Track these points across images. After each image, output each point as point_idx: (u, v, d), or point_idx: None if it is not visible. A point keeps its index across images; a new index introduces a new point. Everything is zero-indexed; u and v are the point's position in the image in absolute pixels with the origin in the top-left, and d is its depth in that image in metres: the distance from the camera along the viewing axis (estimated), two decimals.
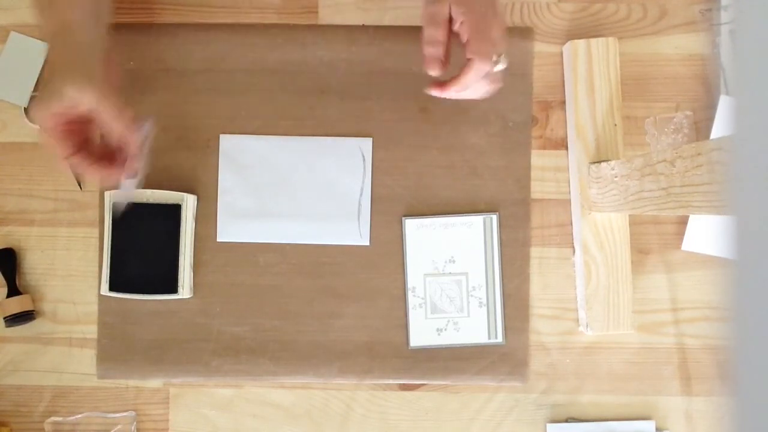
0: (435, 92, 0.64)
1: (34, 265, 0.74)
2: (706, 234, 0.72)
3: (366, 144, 0.73)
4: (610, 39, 0.72)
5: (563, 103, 0.74)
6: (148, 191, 0.71)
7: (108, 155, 0.61)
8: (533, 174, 0.74)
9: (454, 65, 0.62)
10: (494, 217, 0.73)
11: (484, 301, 0.73)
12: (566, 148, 0.74)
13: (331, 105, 0.74)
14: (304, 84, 0.74)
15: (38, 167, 0.74)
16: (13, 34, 0.74)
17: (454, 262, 0.73)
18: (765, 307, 0.25)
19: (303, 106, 0.74)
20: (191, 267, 0.72)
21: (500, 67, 0.61)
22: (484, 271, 0.73)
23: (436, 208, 0.74)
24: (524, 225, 0.73)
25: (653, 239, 0.74)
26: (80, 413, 0.73)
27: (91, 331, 0.73)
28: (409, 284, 0.73)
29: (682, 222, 0.73)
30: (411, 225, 0.73)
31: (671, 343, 0.73)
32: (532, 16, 0.75)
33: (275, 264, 0.73)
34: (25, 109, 0.74)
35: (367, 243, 0.73)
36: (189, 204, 0.72)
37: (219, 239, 0.73)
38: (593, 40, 0.71)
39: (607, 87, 0.71)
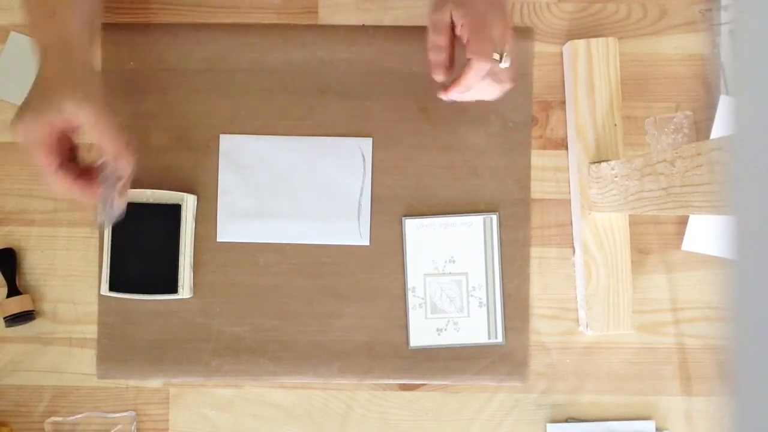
0: (443, 96, 0.65)
1: (34, 265, 0.74)
2: (706, 234, 0.72)
3: (366, 144, 0.73)
4: (610, 39, 0.72)
5: (563, 103, 0.74)
6: (148, 191, 0.71)
7: (87, 173, 0.60)
8: (533, 174, 0.74)
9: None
10: (494, 217, 0.73)
11: (484, 301, 0.73)
12: (566, 148, 0.74)
13: (331, 105, 0.74)
14: (304, 84, 0.74)
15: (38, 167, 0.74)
16: (13, 34, 0.74)
17: (454, 262, 0.73)
18: (765, 307, 0.25)
19: (303, 106, 0.74)
20: (191, 267, 0.72)
21: (504, 65, 0.61)
22: (484, 271, 0.73)
23: (436, 208, 0.74)
24: (524, 225, 0.74)
25: (653, 239, 0.74)
26: (80, 413, 0.73)
27: (91, 331, 0.73)
28: (409, 284, 0.73)
29: (682, 222, 0.73)
30: (411, 225, 0.73)
31: (671, 343, 0.73)
32: (532, 16, 0.75)
33: (275, 264, 0.73)
34: None
35: (367, 243, 0.73)
36: (189, 204, 0.72)
37: (219, 239, 0.73)
38: (593, 40, 0.71)
39: (607, 87, 0.71)
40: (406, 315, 0.73)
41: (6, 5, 0.74)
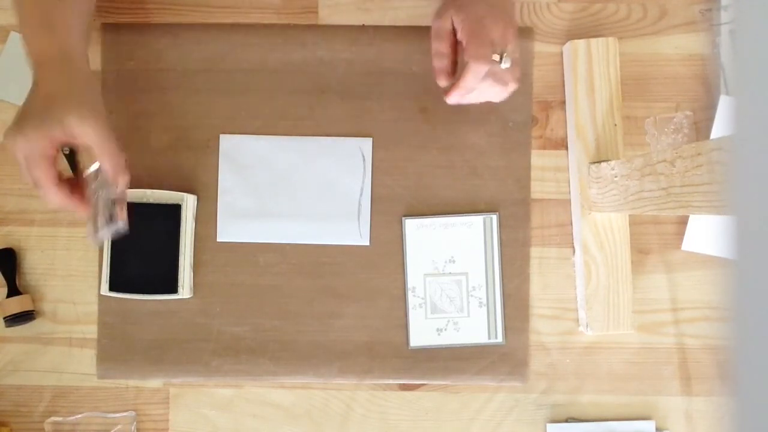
0: (447, 100, 0.66)
1: (34, 265, 0.74)
2: (706, 234, 0.72)
3: (366, 144, 0.73)
4: (610, 39, 0.72)
5: (563, 103, 0.74)
6: (148, 191, 0.71)
7: (80, 186, 0.61)
8: (533, 174, 0.74)
9: None
10: (494, 217, 0.73)
11: (484, 301, 0.73)
12: (566, 148, 0.74)
13: (331, 105, 0.74)
14: (304, 84, 0.74)
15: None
16: (13, 34, 0.74)
17: (454, 262, 0.73)
18: (765, 307, 0.25)
19: (303, 106, 0.74)
20: (191, 267, 0.72)
21: (505, 65, 0.61)
22: (484, 271, 0.73)
23: (436, 208, 0.74)
24: (524, 225, 0.73)
25: (653, 239, 0.74)
26: (80, 413, 0.73)
27: (91, 331, 0.73)
28: (409, 284, 0.73)
29: (682, 222, 0.73)
30: (411, 225, 0.73)
31: (671, 343, 0.73)
32: (532, 16, 0.75)
33: (275, 264, 0.73)
34: None
35: (367, 243, 0.73)
36: (189, 204, 0.72)
37: (219, 239, 0.73)
38: (593, 40, 0.71)
39: (607, 87, 0.71)
40: (406, 315, 0.73)
41: (6, 5, 0.74)
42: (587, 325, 0.71)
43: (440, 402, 0.74)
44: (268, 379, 0.73)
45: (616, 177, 0.64)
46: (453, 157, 0.74)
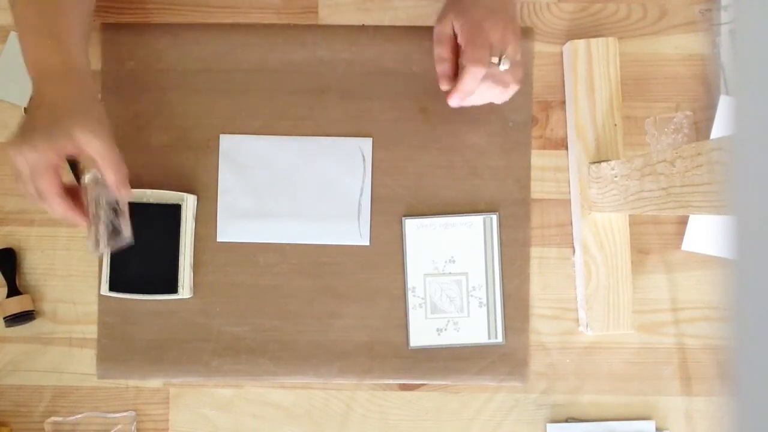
0: (449, 103, 0.66)
1: (34, 265, 0.74)
2: (706, 234, 0.72)
3: (366, 144, 0.73)
4: (610, 39, 0.72)
5: (563, 103, 0.74)
6: (148, 191, 0.71)
7: (78, 198, 0.61)
8: (533, 174, 0.74)
9: None
10: (494, 217, 0.73)
11: (484, 301, 0.73)
12: (566, 148, 0.74)
13: (331, 105, 0.74)
14: (304, 84, 0.74)
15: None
16: (13, 34, 0.74)
17: (454, 262, 0.73)
18: (765, 307, 0.25)
19: (303, 106, 0.74)
20: (191, 267, 0.72)
21: (503, 67, 0.62)
22: (484, 271, 0.73)
23: (436, 208, 0.74)
24: (524, 225, 0.73)
25: (653, 239, 0.74)
26: (80, 413, 0.73)
27: (91, 331, 0.73)
28: (409, 284, 0.73)
29: (682, 222, 0.73)
30: (411, 225, 0.73)
31: (671, 343, 0.73)
32: (532, 16, 0.75)
33: (275, 264, 0.73)
34: (26, 109, 0.74)
35: (367, 243, 0.73)
36: (189, 204, 0.72)
37: (219, 239, 0.73)
38: (593, 40, 0.71)
39: (607, 87, 0.71)
40: (406, 315, 0.73)
41: (6, 5, 0.74)
42: (587, 325, 0.71)
43: (440, 402, 0.74)
44: (268, 379, 0.73)
45: (616, 177, 0.64)
46: (453, 157, 0.74)
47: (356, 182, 0.73)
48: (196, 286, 0.73)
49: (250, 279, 0.73)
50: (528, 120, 0.74)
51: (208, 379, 0.73)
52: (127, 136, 0.73)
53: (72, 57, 0.61)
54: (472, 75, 0.62)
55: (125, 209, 0.63)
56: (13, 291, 0.72)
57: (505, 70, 0.62)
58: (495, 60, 0.62)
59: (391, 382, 0.73)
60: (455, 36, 0.64)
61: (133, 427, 0.73)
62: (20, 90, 0.74)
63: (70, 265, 0.74)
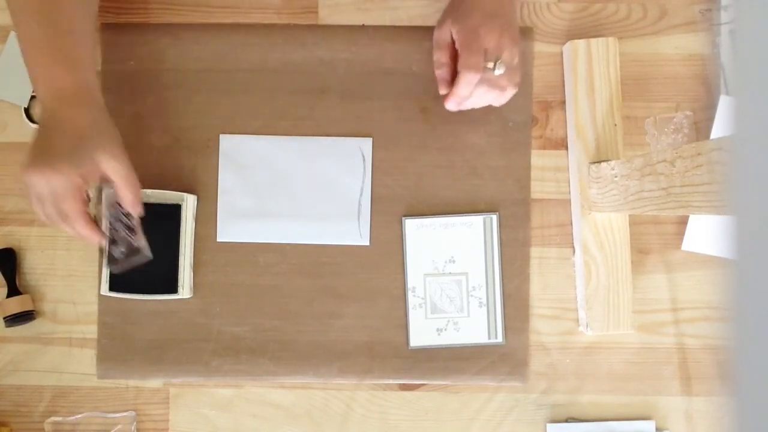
0: (446, 106, 0.68)
1: (34, 265, 0.74)
2: (706, 234, 0.72)
3: (366, 144, 0.73)
4: (610, 39, 0.72)
5: (563, 103, 0.74)
6: (148, 191, 0.71)
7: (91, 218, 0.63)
8: (533, 174, 0.74)
9: None
10: (494, 217, 0.73)
11: (484, 301, 0.73)
12: (566, 148, 0.74)
13: (331, 105, 0.74)
14: (304, 84, 0.74)
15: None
16: (13, 34, 0.74)
17: (454, 262, 0.73)
18: (765, 307, 0.25)
19: (303, 106, 0.74)
20: (191, 267, 0.72)
21: (498, 71, 0.63)
22: (484, 271, 0.73)
23: (436, 208, 0.74)
24: (524, 225, 0.73)
25: (653, 239, 0.74)
26: (80, 413, 0.73)
27: (91, 331, 0.73)
28: (409, 284, 0.73)
29: (682, 222, 0.73)
30: (411, 225, 0.73)
31: (671, 343, 0.73)
32: (532, 16, 0.75)
33: (275, 264, 0.73)
34: (26, 109, 0.74)
35: (367, 243, 0.73)
36: (189, 204, 0.72)
37: (219, 239, 0.73)
38: (593, 40, 0.71)
39: (607, 87, 0.71)
40: (406, 315, 0.73)
41: (6, 5, 0.74)
42: (587, 325, 0.71)
43: (440, 402, 0.74)
44: (268, 379, 0.73)
45: (616, 177, 0.64)
46: (453, 157, 0.74)
47: (356, 182, 0.73)
48: (196, 286, 0.73)
49: (250, 279, 0.73)
50: (528, 120, 0.74)
51: (208, 379, 0.73)
52: (127, 136, 0.72)
53: (86, 78, 0.61)
54: (467, 81, 0.63)
55: (138, 226, 0.65)
56: (13, 291, 0.72)
57: (501, 74, 0.64)
58: (490, 65, 0.63)
59: (391, 382, 0.73)
60: (454, 41, 0.65)
61: (133, 427, 0.73)
62: (20, 90, 0.74)
63: (70, 265, 0.74)
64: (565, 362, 0.73)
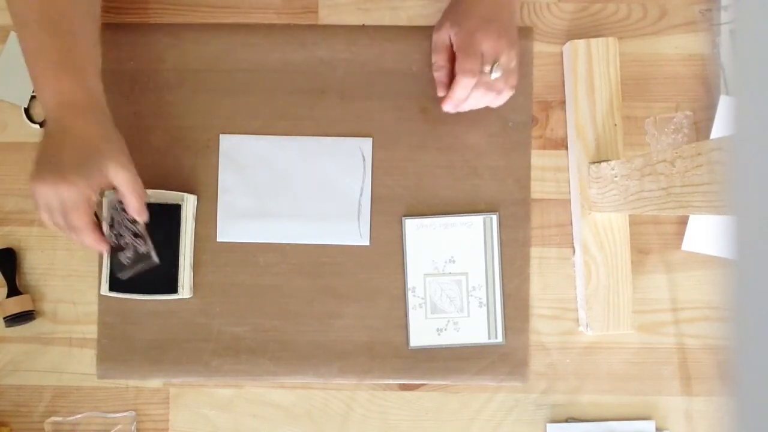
0: (443, 108, 0.69)
1: (34, 265, 0.74)
2: (706, 234, 0.72)
3: (366, 144, 0.73)
4: (610, 39, 0.72)
5: (563, 103, 0.74)
6: (149, 191, 0.71)
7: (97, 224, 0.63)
8: (533, 174, 0.74)
9: None
10: (494, 217, 0.73)
11: (484, 301, 0.73)
12: (566, 148, 0.74)
13: (331, 105, 0.74)
14: (304, 84, 0.74)
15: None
16: (13, 34, 0.74)
17: (454, 262, 0.73)
18: (765, 307, 0.25)
19: (303, 106, 0.74)
20: (191, 267, 0.72)
21: (495, 75, 0.64)
22: (484, 271, 0.73)
23: (436, 208, 0.74)
24: (524, 225, 0.73)
25: (653, 239, 0.74)
26: (80, 413, 0.73)
27: (91, 331, 0.73)
28: (409, 284, 0.73)
29: (682, 222, 0.73)
30: (411, 225, 0.73)
31: (671, 343, 0.73)
32: (532, 16, 0.75)
33: (275, 264, 0.73)
34: (26, 109, 0.74)
35: (367, 243, 0.73)
36: (189, 204, 0.72)
37: (219, 239, 0.73)
38: (593, 40, 0.71)
39: (607, 87, 0.71)
40: (406, 315, 0.73)
41: (6, 5, 0.74)
42: (587, 325, 0.71)
43: (440, 402, 0.74)
44: (268, 379, 0.73)
45: (616, 177, 0.64)
46: (453, 157, 0.74)
47: (356, 182, 0.73)
48: (196, 286, 0.73)
49: (250, 279, 0.73)
50: (528, 120, 0.74)
51: (208, 379, 0.73)
52: (127, 136, 0.72)
53: (93, 87, 0.61)
54: (463, 85, 0.64)
55: (144, 232, 0.66)
56: (13, 291, 0.72)
57: (498, 77, 0.64)
58: (487, 69, 0.64)
59: (391, 382, 0.73)
60: (452, 44, 0.66)
61: (133, 427, 0.73)
62: (20, 90, 0.74)
63: (70, 265, 0.74)
64: (565, 362, 0.73)
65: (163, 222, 0.71)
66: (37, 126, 0.74)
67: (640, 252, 0.73)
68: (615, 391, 0.73)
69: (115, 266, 0.67)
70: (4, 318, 0.72)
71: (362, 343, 0.73)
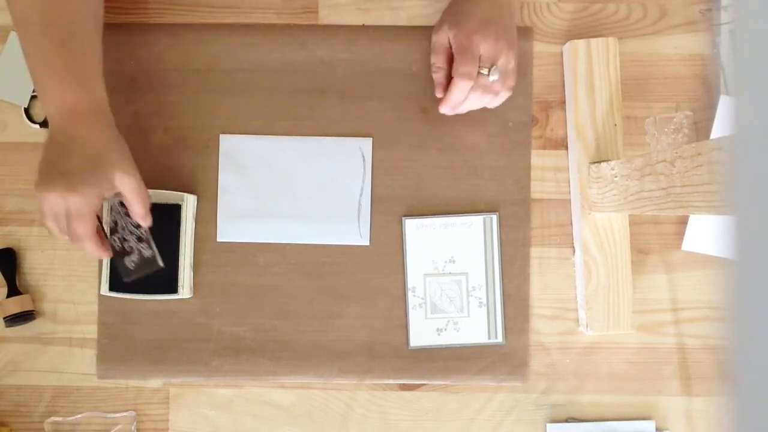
0: (440, 110, 0.69)
1: (34, 265, 0.74)
2: (706, 234, 0.72)
3: (366, 144, 0.73)
4: (610, 39, 0.72)
5: (563, 103, 0.74)
6: (149, 191, 0.71)
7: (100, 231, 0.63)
8: (533, 174, 0.74)
9: None
10: (494, 217, 0.73)
11: (484, 301, 0.73)
12: (566, 148, 0.74)
13: (331, 105, 0.74)
14: (304, 84, 0.74)
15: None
16: (13, 34, 0.74)
17: (454, 262, 0.73)
18: (765, 307, 0.25)
19: (303, 106, 0.74)
20: (191, 267, 0.72)
21: (493, 77, 0.64)
22: (484, 271, 0.73)
23: (436, 208, 0.74)
24: (524, 225, 0.73)
25: (653, 239, 0.74)
26: (80, 413, 0.73)
27: (91, 331, 0.73)
28: (409, 284, 0.73)
29: (682, 222, 0.73)
30: (411, 225, 0.73)
31: (671, 343, 0.73)
32: (532, 16, 0.75)
33: (275, 264, 0.73)
34: (26, 109, 0.74)
35: (367, 243, 0.73)
36: (189, 204, 0.72)
37: (219, 239, 0.73)
38: (593, 40, 0.71)
39: (607, 87, 0.71)
40: (406, 315, 0.73)
41: (6, 5, 0.74)
42: (587, 325, 0.71)
43: (440, 402, 0.74)
44: (268, 379, 0.73)
45: (616, 177, 0.64)
46: (453, 157, 0.74)
47: (356, 182, 0.73)
48: (196, 286, 0.73)
49: (250, 279, 0.73)
50: (528, 120, 0.74)
51: (208, 379, 0.73)
52: (127, 136, 0.72)
53: (97, 95, 0.61)
54: (459, 87, 0.64)
55: (149, 236, 0.66)
56: (13, 291, 0.72)
57: (494, 80, 0.64)
58: (485, 71, 0.64)
59: (391, 382, 0.73)
60: (451, 46, 0.66)
61: (133, 427, 0.73)
62: (20, 90, 0.74)
63: (70, 265, 0.74)
64: (565, 362, 0.73)
65: (163, 222, 0.71)
66: (37, 126, 0.74)
67: (640, 252, 0.73)
68: (615, 391, 0.73)
69: (121, 270, 0.67)
70: (4, 318, 0.72)
71: (362, 343, 0.73)
